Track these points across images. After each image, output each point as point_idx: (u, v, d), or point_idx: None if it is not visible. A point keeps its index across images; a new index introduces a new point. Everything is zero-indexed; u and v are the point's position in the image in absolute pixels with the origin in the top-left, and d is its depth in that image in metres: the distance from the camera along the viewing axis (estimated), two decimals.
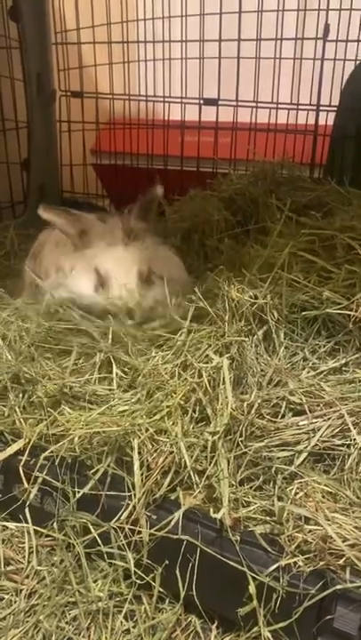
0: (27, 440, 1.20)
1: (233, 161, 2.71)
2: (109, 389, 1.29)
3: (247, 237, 2.04)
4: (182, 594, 1.07)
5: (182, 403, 1.18)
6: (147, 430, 1.12)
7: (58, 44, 2.85)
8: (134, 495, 1.09)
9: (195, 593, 1.05)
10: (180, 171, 2.83)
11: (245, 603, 1.00)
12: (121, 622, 1.11)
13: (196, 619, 1.13)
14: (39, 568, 1.19)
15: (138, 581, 1.09)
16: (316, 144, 2.60)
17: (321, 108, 2.55)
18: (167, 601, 1.15)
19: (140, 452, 1.11)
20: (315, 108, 2.56)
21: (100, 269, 1.48)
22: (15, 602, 1.17)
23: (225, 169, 2.61)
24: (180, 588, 1.07)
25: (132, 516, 1.07)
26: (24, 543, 1.25)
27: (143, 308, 1.44)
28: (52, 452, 1.15)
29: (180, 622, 1.13)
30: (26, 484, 1.20)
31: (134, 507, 1.07)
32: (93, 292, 1.48)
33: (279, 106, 2.61)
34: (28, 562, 1.22)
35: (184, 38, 2.66)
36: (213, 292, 1.50)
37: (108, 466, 1.13)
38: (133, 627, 1.11)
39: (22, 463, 1.20)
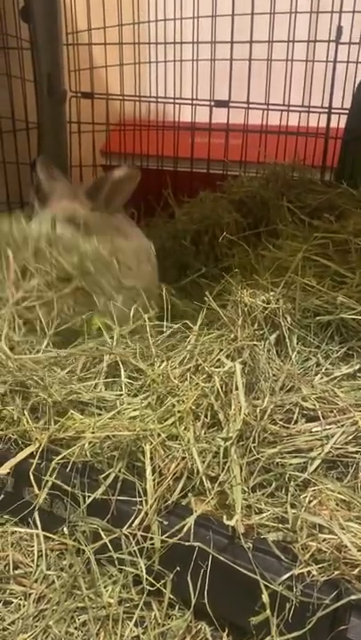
0: (37, 444, 1.20)
1: (244, 163, 2.70)
2: (118, 395, 1.29)
3: (258, 240, 2.03)
4: (193, 601, 1.06)
5: (194, 408, 1.17)
6: (158, 436, 1.11)
7: (69, 45, 2.84)
8: (145, 501, 1.08)
9: (206, 600, 1.04)
10: (190, 172, 2.82)
11: (257, 611, 0.99)
12: (131, 629, 1.10)
13: (207, 626, 1.12)
14: (48, 572, 1.19)
15: (149, 588, 1.08)
16: (328, 147, 2.58)
17: (333, 110, 2.53)
18: (177, 607, 1.13)
19: (151, 458, 1.10)
20: (326, 110, 2.54)
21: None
22: (24, 606, 1.16)
23: (235, 171, 2.60)
24: (192, 595, 1.06)
25: (144, 523, 1.06)
26: (33, 546, 1.24)
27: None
28: (64, 457, 1.14)
29: (191, 629, 1.12)
30: (36, 488, 1.19)
31: (146, 513, 1.06)
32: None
33: (290, 108, 2.60)
34: (37, 565, 1.21)
35: (195, 40, 2.65)
36: (225, 297, 1.49)
37: (119, 471, 1.12)
38: (143, 633, 1.10)
39: (32, 467, 1.20)
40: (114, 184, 1.75)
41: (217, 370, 1.20)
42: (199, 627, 1.12)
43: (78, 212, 1.71)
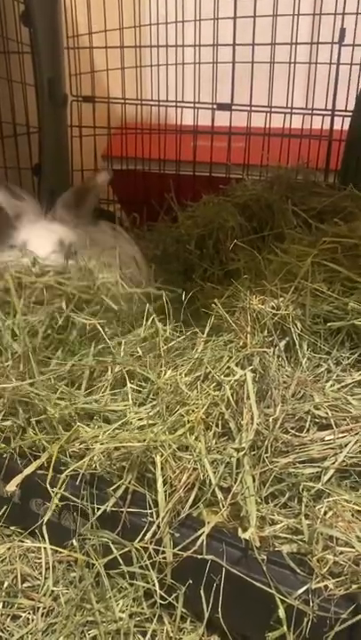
0: (46, 456, 1.17)
1: (247, 166, 2.68)
2: (125, 405, 1.26)
3: (263, 244, 2.01)
4: (206, 614, 1.04)
5: (204, 417, 1.15)
6: (169, 446, 1.09)
7: (70, 49, 2.83)
8: (156, 513, 1.06)
9: (220, 614, 1.02)
10: (192, 176, 2.80)
11: (272, 625, 0.97)
12: None
13: (219, 639, 1.10)
14: (55, 589, 1.16)
15: (160, 601, 1.06)
16: (331, 149, 2.56)
17: (336, 112, 2.52)
18: (189, 621, 1.12)
19: (162, 469, 1.08)
20: (330, 112, 2.52)
21: (23, 241, 1.59)
22: (33, 620, 1.14)
23: (238, 174, 2.58)
24: (204, 609, 1.03)
25: (156, 536, 1.04)
26: (41, 559, 1.22)
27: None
28: (73, 469, 1.12)
29: None
30: (44, 500, 1.17)
31: (158, 525, 1.04)
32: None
33: (294, 111, 2.58)
34: (45, 579, 1.19)
35: (197, 43, 2.63)
36: (232, 302, 1.47)
37: (129, 483, 1.10)
38: None
39: (40, 478, 1.18)
40: (98, 191, 1.68)
41: (227, 378, 1.18)
42: None
43: (65, 235, 1.60)
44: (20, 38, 2.67)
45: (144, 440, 1.11)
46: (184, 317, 1.62)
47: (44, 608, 1.15)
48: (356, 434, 1.11)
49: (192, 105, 2.74)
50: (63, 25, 2.76)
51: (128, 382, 1.29)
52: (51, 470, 1.16)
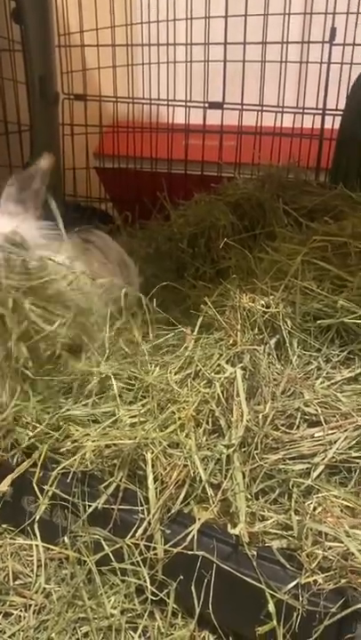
0: (38, 455, 1.18)
1: (238, 165, 2.68)
2: (115, 405, 1.27)
3: (254, 242, 2.02)
4: (197, 610, 1.05)
5: (195, 414, 1.16)
6: (160, 443, 1.10)
7: (61, 47, 2.82)
8: (147, 510, 1.07)
9: (210, 609, 1.03)
10: (184, 175, 2.81)
11: (262, 620, 0.98)
12: (134, 639, 1.09)
13: (211, 635, 1.11)
14: (47, 586, 1.17)
15: (152, 597, 1.07)
16: (322, 148, 2.57)
17: (327, 112, 2.53)
18: (180, 616, 1.12)
19: (153, 466, 1.08)
20: (321, 112, 2.54)
21: None
22: (24, 618, 1.15)
23: (230, 173, 2.59)
24: (195, 605, 1.04)
25: (147, 532, 1.04)
26: (32, 556, 1.23)
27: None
28: (64, 466, 1.13)
29: (194, 638, 1.11)
30: (36, 498, 1.17)
31: (149, 522, 1.04)
32: None
33: (285, 110, 2.59)
34: (37, 576, 1.19)
35: (189, 41, 2.64)
36: (222, 301, 1.48)
37: (121, 480, 1.11)
38: None
39: (32, 476, 1.18)
40: (44, 176, 1.51)
41: (218, 376, 1.19)
42: (203, 636, 1.11)
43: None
44: (12, 36, 2.67)
45: (135, 437, 1.11)
46: (175, 315, 1.63)
47: (36, 605, 1.16)
48: (346, 430, 1.12)
49: (184, 103, 2.74)
50: (54, 22, 2.75)
51: (115, 384, 1.28)
52: (37, 468, 1.16)
